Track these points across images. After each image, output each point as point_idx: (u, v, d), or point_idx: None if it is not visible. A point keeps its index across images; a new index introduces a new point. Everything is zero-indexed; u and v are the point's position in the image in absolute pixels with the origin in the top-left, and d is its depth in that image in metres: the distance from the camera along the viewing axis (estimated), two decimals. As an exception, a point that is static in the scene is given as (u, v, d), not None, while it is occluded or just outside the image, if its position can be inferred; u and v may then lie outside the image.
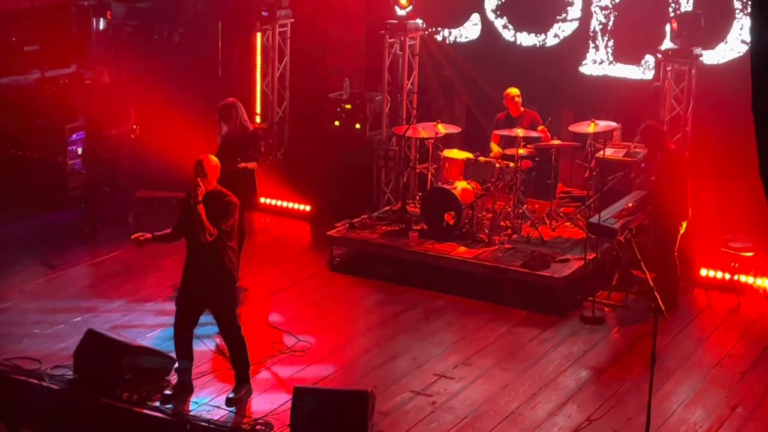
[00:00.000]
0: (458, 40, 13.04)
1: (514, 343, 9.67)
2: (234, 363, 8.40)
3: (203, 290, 8.19)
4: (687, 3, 11.62)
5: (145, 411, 8.13)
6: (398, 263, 11.07)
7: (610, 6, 12.10)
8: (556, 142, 11.57)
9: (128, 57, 13.95)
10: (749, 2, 10.69)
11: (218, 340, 9.02)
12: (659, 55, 11.52)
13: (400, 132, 11.95)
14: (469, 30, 12.96)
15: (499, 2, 12.70)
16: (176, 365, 8.44)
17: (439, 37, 13.09)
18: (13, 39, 13.51)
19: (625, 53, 12.08)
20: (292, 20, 13.51)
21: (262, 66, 13.51)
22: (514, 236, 11.28)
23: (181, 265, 8.34)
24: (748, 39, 10.68)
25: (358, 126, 13.02)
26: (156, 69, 13.70)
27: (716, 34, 11.45)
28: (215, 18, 14.09)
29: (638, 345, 9.51)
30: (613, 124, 11.64)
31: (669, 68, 11.30)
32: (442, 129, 11.71)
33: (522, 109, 11.85)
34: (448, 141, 12.09)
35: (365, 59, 13.61)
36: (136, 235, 8.29)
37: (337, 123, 13.13)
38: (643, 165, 11.02)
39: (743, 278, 10.80)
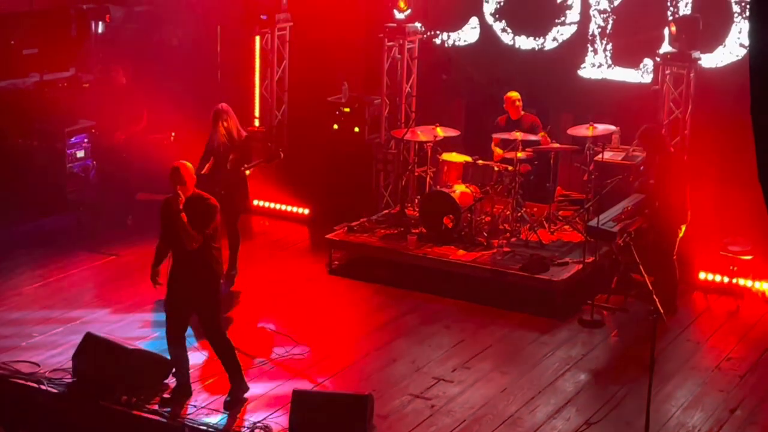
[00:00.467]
0: (457, 43, 13.05)
1: (512, 346, 9.67)
2: (224, 367, 8.40)
3: (190, 292, 8.20)
4: (685, 6, 11.62)
5: (144, 414, 8.14)
6: (396, 266, 11.07)
7: (609, 9, 12.10)
8: (555, 145, 11.58)
9: (127, 60, 13.93)
10: (748, 6, 10.70)
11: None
12: (658, 59, 11.52)
13: (399, 135, 11.95)
14: (468, 33, 12.96)
15: (498, 6, 12.70)
16: (173, 369, 8.44)
17: (437, 41, 13.09)
18: (12, 42, 13.50)
19: (623, 57, 12.08)
20: (291, 24, 13.51)
21: (261, 69, 13.50)
22: (513, 239, 11.28)
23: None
24: (746, 42, 10.67)
25: (356, 129, 13.01)
26: (155, 72, 13.69)
27: (715, 37, 11.46)
28: (214, 21, 14.09)
29: (637, 348, 9.49)
30: (612, 127, 11.64)
31: (668, 72, 11.29)
32: (441, 132, 11.72)
33: (522, 112, 11.86)
34: (448, 144, 12.08)
35: (364, 63, 13.60)
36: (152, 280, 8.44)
37: (335, 126, 13.12)
38: (641, 168, 11.01)
39: (742, 281, 10.80)
